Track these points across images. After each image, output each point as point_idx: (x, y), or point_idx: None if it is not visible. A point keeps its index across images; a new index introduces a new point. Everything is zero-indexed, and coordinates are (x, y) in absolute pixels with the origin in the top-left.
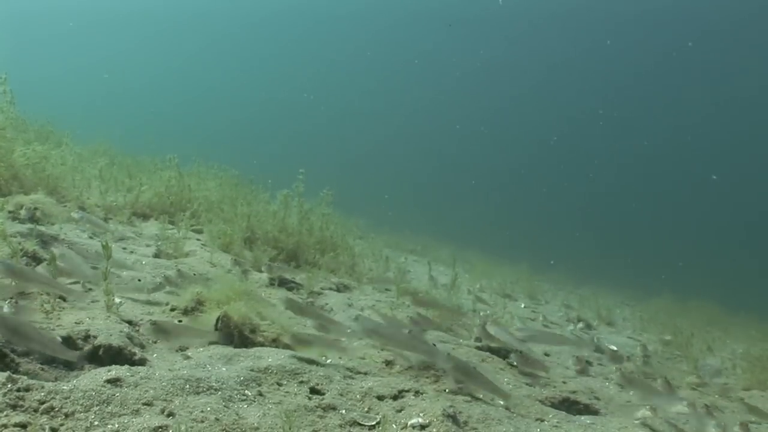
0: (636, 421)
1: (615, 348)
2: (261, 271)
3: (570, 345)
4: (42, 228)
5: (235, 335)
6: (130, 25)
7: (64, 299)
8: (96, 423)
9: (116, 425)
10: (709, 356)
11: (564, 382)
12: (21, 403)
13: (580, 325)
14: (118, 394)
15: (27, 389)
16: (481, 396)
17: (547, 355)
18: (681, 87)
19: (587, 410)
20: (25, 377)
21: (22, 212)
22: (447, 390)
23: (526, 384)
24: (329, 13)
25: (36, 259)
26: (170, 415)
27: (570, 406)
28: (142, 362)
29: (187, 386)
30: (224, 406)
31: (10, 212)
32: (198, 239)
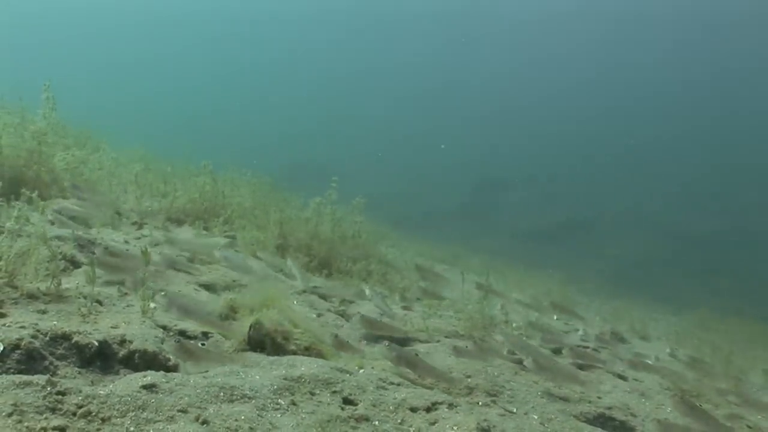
0: None
1: (651, 362)
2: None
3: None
4: (80, 232)
5: (268, 343)
6: (168, 32)
7: (100, 303)
8: (132, 429)
9: (151, 431)
10: (751, 374)
11: (599, 398)
12: (60, 406)
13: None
14: (153, 400)
15: (65, 393)
16: (514, 410)
17: None
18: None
19: (623, 427)
20: (64, 380)
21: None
22: (480, 403)
23: (560, 398)
24: (366, 19)
25: (74, 263)
26: (204, 422)
27: (605, 422)
28: (176, 368)
29: (221, 394)
30: (258, 415)
31: (49, 216)
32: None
